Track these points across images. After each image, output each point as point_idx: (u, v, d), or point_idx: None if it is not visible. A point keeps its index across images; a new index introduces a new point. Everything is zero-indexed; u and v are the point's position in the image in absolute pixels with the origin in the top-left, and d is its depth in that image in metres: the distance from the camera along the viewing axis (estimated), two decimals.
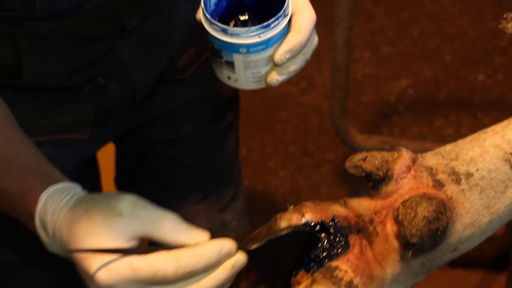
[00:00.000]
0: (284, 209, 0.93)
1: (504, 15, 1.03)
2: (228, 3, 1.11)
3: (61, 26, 1.17)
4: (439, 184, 0.93)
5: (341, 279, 0.89)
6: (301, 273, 0.92)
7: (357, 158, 0.94)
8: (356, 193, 0.97)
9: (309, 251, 0.92)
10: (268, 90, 2.64)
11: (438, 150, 0.97)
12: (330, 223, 0.92)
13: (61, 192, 0.95)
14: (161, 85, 1.38)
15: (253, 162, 2.59)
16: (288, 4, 1.05)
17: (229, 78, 1.10)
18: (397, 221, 0.90)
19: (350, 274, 0.89)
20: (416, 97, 2.74)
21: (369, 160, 0.93)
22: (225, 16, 1.11)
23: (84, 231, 0.88)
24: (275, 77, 1.07)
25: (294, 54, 1.06)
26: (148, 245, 0.92)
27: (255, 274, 0.95)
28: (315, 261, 0.91)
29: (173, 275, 0.85)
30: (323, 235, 0.92)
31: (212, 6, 1.08)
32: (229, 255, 0.88)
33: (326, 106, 2.68)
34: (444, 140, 2.43)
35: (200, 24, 1.07)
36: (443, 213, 0.89)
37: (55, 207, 0.94)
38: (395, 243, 0.92)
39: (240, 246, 0.89)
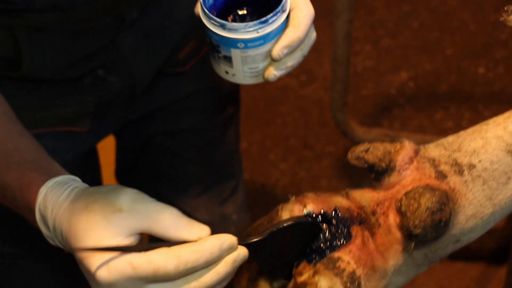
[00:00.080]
0: (286, 200, 0.93)
1: (505, 8, 1.03)
2: None
3: (61, 18, 1.17)
4: (441, 176, 0.93)
5: (343, 270, 0.89)
6: (303, 264, 0.92)
7: (359, 149, 0.93)
8: (358, 185, 0.97)
9: (311, 242, 0.92)
10: (268, 84, 2.62)
11: (440, 141, 0.97)
12: (332, 214, 0.92)
13: (61, 186, 0.94)
14: (162, 78, 1.38)
15: (253, 155, 2.59)
16: None
17: (227, 72, 1.09)
18: (400, 212, 0.90)
19: (353, 265, 0.89)
20: (417, 90, 2.73)
21: (371, 151, 0.93)
22: (223, 10, 1.10)
23: (84, 227, 0.88)
24: (273, 72, 1.07)
25: (292, 50, 1.06)
26: (149, 239, 0.92)
27: (256, 266, 0.94)
28: (317, 252, 0.91)
29: (174, 272, 0.85)
30: (325, 226, 0.92)
31: (211, 1, 1.07)
32: (230, 250, 0.88)
33: (326, 99, 2.68)
34: (444, 133, 2.42)
35: (198, 18, 1.06)
36: (446, 204, 0.89)
37: (55, 201, 0.93)
38: (397, 234, 0.92)
39: (241, 239, 0.89)
